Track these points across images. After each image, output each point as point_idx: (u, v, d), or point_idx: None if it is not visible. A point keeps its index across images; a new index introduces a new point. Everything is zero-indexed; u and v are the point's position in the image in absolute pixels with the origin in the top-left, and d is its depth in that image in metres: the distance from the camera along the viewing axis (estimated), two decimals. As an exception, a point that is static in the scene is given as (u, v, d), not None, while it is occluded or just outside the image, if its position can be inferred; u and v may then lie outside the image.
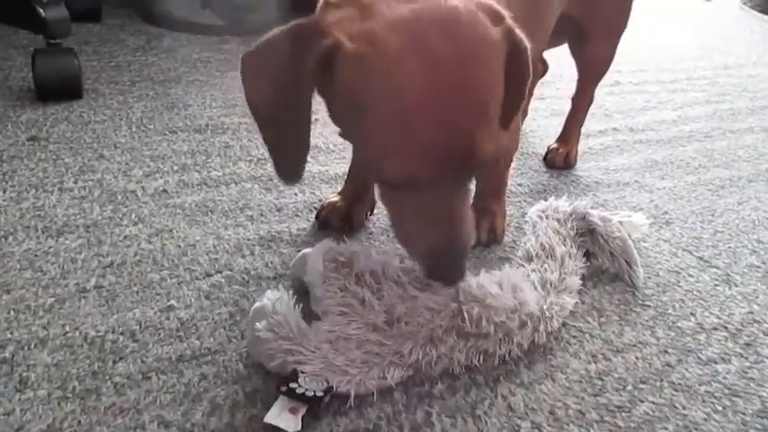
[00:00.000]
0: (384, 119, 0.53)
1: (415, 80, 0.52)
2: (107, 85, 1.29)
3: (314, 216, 0.90)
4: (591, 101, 1.17)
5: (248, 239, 0.84)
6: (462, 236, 0.59)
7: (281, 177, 0.63)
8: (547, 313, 0.70)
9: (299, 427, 0.54)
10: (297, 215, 0.91)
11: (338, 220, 0.87)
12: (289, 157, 0.61)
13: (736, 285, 0.86)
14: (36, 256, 0.77)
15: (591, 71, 1.12)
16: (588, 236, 0.84)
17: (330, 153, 1.11)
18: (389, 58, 0.52)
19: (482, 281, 0.69)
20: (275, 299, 0.63)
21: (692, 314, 0.79)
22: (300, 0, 0.85)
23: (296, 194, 0.96)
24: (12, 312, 0.67)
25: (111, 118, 1.15)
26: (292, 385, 0.56)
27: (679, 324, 0.77)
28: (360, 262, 0.67)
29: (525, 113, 1.23)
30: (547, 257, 0.78)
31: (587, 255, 0.84)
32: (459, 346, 0.64)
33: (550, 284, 0.74)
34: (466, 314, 0.64)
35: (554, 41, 1.04)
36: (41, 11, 1.17)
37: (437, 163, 0.55)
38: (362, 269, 0.66)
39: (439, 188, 0.57)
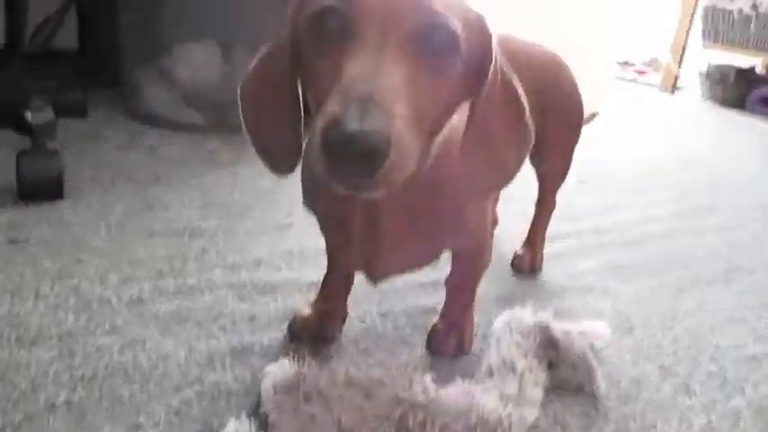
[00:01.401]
0: None
1: None
2: (89, 183, 1.33)
3: (286, 327, 0.92)
4: (553, 206, 1.23)
5: (220, 351, 0.86)
6: (374, 112, 0.45)
7: (274, 171, 0.62)
8: (505, 422, 0.72)
9: None
10: (269, 325, 0.93)
11: (310, 334, 0.90)
12: (283, 149, 0.61)
13: (696, 395, 0.88)
14: (8, 367, 0.77)
15: (550, 183, 1.18)
16: (551, 348, 0.87)
17: (304, 259, 1.14)
18: None
19: (427, 385, 0.72)
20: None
21: (653, 427, 0.81)
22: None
23: (268, 303, 0.99)
24: (-21, 433, 0.68)
25: (91, 219, 1.18)
26: None
27: (639, 439, 0.79)
28: (308, 381, 0.70)
29: (496, 222, 1.28)
30: (507, 372, 0.80)
31: (551, 366, 0.87)
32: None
33: (509, 397, 0.76)
34: (411, 419, 0.67)
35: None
36: (28, 115, 1.22)
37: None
38: (310, 387, 0.69)
39: (366, 43, 0.50)
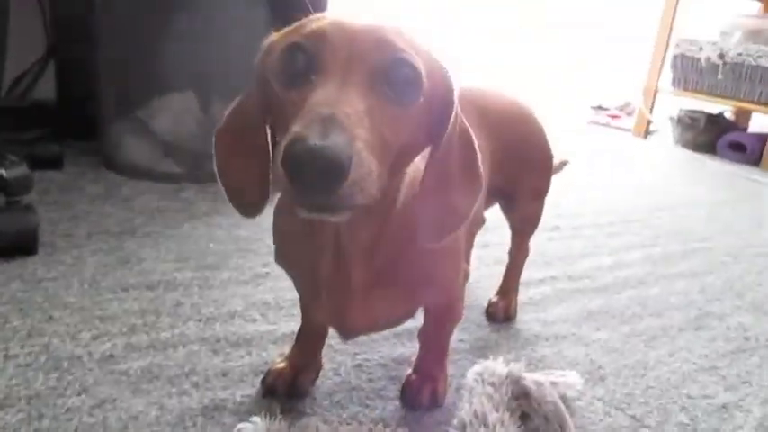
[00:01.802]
0: None
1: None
2: (63, 238, 1.32)
3: (260, 381, 0.92)
4: (527, 254, 1.25)
5: (192, 409, 0.85)
6: (335, 130, 0.47)
7: (243, 213, 0.64)
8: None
9: None
10: (242, 380, 0.93)
11: (284, 389, 0.89)
12: (253, 192, 0.63)
13: (666, 446, 0.89)
14: (-27, 432, 0.76)
15: (522, 230, 1.20)
16: (523, 398, 0.88)
17: (279, 310, 1.14)
18: None
19: None
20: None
21: (623, 480, 0.81)
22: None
23: (242, 357, 0.98)
24: (-59, 502, 0.66)
25: (64, 275, 1.17)
26: None
27: (611, 492, 0.79)
28: None
29: (467, 276, 1.29)
30: (479, 426, 0.80)
31: (523, 417, 0.87)
32: None
33: (481, 452, 0.76)
34: None
35: (486, 204, 1.13)
36: (3, 171, 1.22)
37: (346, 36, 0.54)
38: None
39: (330, 77, 0.53)
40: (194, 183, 1.77)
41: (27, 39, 2.09)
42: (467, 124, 0.63)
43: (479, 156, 0.64)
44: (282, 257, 0.80)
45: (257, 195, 0.63)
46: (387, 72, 0.54)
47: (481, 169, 0.64)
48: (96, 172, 1.78)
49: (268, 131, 0.62)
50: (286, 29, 0.60)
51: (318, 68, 0.53)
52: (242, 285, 1.22)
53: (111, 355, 0.95)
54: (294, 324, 1.08)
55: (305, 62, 0.54)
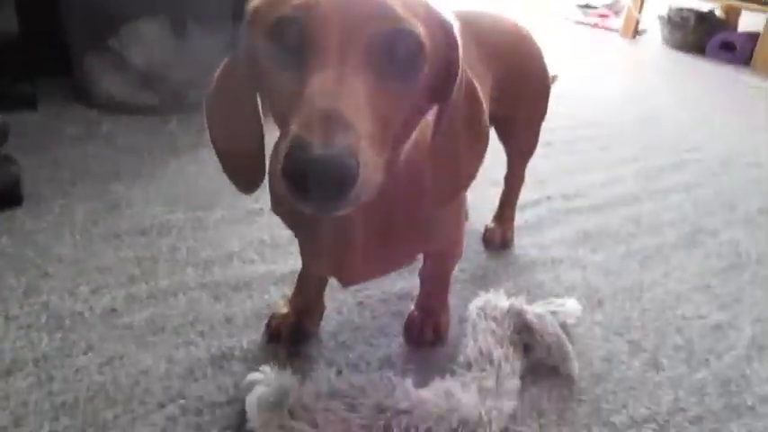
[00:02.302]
0: None
1: None
2: (47, 185, 1.29)
3: (264, 327, 0.92)
4: (522, 180, 1.23)
5: (199, 359, 0.86)
6: (340, 134, 0.44)
7: (240, 189, 0.62)
8: (485, 418, 0.75)
9: None
10: (247, 325, 0.93)
11: (288, 333, 0.90)
12: (248, 166, 0.60)
13: (663, 370, 0.92)
14: (-15, 398, 0.77)
15: (519, 156, 1.18)
16: (526, 332, 0.89)
17: (276, 248, 1.13)
18: None
19: (409, 389, 0.73)
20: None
21: (624, 407, 0.84)
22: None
23: (244, 301, 0.99)
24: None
25: (54, 225, 1.15)
26: None
27: (612, 419, 0.82)
28: (292, 396, 0.70)
29: (467, 216, 1.28)
30: (485, 363, 0.82)
31: (526, 348, 0.89)
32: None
33: (488, 391, 0.78)
34: (395, 428, 0.69)
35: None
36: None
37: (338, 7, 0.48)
38: (294, 404, 0.70)
39: (326, 55, 0.47)
40: (176, 113, 1.71)
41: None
42: (471, 77, 0.59)
43: (485, 111, 0.61)
44: (279, 207, 0.78)
45: (252, 172, 0.60)
46: (387, 45, 0.49)
47: (488, 126, 0.61)
48: (72, 109, 1.71)
49: (259, 102, 0.58)
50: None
51: (312, 46, 0.48)
52: (236, 224, 1.21)
53: (113, 309, 0.94)
54: (293, 262, 1.08)
55: (296, 38, 0.48)
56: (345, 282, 0.79)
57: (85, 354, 0.85)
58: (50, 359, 0.84)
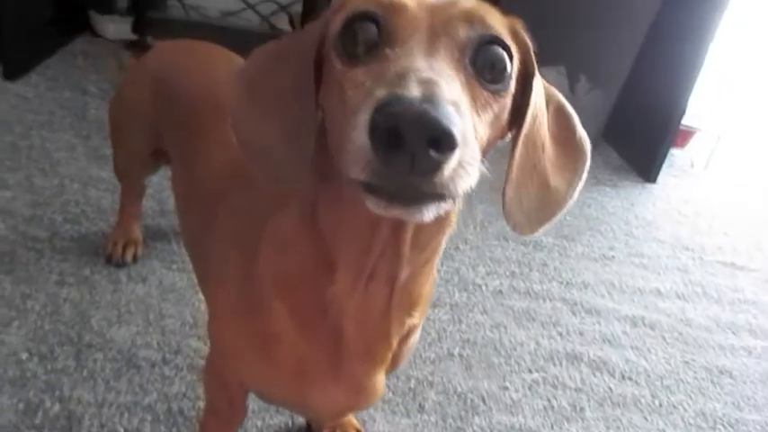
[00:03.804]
0: None
1: None
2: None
3: (605, 347, 1.17)
4: None
5: (558, 351, 1.14)
6: (440, 94, 0.36)
7: (277, 183, 0.49)
8: None
9: None
10: (593, 342, 1.19)
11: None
12: (291, 160, 0.47)
13: None
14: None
15: None
16: None
17: (623, 293, 1.36)
18: None
19: None
20: None
21: None
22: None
23: (594, 324, 1.24)
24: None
25: (462, 215, 1.53)
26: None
27: None
28: None
29: None
30: None
31: None
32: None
33: None
34: None
35: None
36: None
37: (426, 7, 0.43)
38: None
39: (413, 50, 0.41)
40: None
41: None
42: (551, 87, 0.52)
43: (576, 119, 0.53)
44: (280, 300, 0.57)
45: (297, 166, 0.47)
46: (476, 51, 0.43)
47: (585, 139, 0.53)
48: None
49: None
50: None
51: (393, 42, 0.42)
52: (592, 261, 1.46)
53: (500, 291, 1.28)
54: (636, 309, 1.30)
55: (375, 33, 0.43)
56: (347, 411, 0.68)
57: (482, 314, 1.19)
58: (460, 308, 1.19)
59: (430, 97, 0.35)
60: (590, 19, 2.08)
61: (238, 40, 1.98)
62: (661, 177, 2.01)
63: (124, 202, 1.13)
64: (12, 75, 1.60)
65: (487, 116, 0.44)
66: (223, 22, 2.24)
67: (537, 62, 0.49)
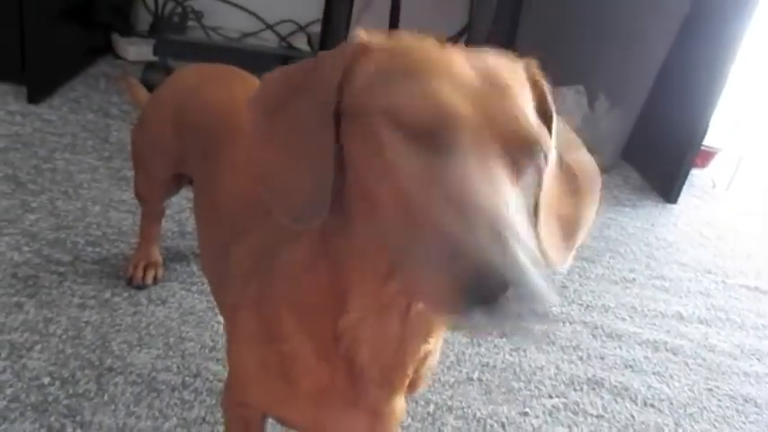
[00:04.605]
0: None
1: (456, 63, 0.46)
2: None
3: (627, 377, 1.15)
4: None
5: (578, 377, 1.12)
6: (528, 259, 0.38)
7: (305, 217, 0.47)
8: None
9: None
10: (613, 367, 1.17)
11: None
12: (306, 199, 0.47)
13: None
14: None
15: None
16: None
17: (645, 317, 1.35)
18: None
19: None
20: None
21: None
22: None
23: (615, 349, 1.23)
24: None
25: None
26: None
27: None
28: None
29: None
30: None
31: None
32: None
33: None
34: None
35: None
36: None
37: (479, 106, 0.44)
38: None
39: (475, 153, 0.42)
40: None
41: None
42: (560, 120, 0.53)
43: (584, 148, 0.55)
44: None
45: (312, 206, 0.47)
46: (519, 146, 0.44)
47: (592, 162, 0.54)
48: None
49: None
50: (383, 39, 0.48)
51: (453, 145, 0.42)
52: (612, 284, 1.45)
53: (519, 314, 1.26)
54: (657, 334, 1.28)
55: (421, 121, 0.43)
56: None
57: (500, 338, 1.18)
58: (482, 333, 1.18)
59: (519, 267, 0.37)
60: (610, 37, 2.08)
61: (258, 60, 2.02)
62: (682, 198, 1.99)
63: (144, 224, 1.14)
64: (35, 98, 1.63)
65: (528, 189, 0.46)
66: (242, 44, 2.27)
67: (554, 106, 0.51)
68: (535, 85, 0.50)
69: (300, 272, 0.56)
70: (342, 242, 0.51)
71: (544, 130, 0.46)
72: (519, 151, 0.44)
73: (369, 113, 0.45)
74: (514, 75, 0.48)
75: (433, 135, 0.43)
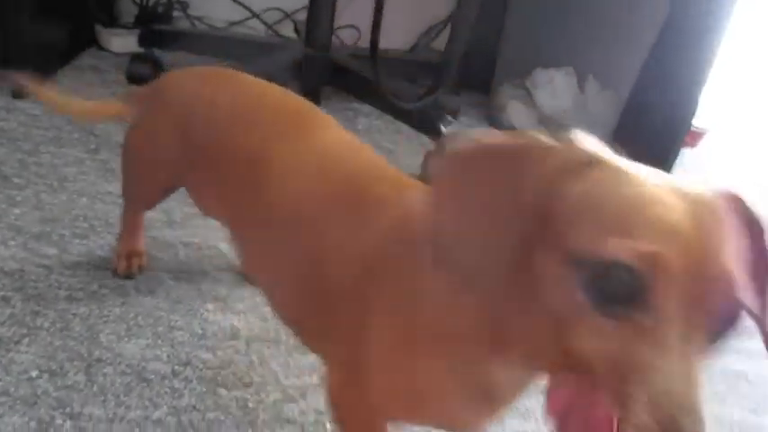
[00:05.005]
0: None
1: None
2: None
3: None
4: None
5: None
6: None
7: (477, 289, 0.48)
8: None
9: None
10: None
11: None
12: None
13: None
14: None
15: None
16: None
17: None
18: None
19: None
20: None
21: None
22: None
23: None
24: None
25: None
26: None
27: None
28: None
29: None
30: None
31: None
32: None
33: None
34: None
35: None
36: (440, 124, 1.59)
37: (690, 261, 0.40)
38: None
39: (671, 327, 0.40)
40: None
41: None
42: None
43: None
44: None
45: (488, 280, 0.46)
46: (722, 322, 0.43)
47: None
48: (482, 126, 2.12)
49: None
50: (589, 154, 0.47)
51: (648, 302, 0.40)
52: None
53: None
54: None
55: (628, 284, 0.40)
56: None
57: None
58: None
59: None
60: (599, 19, 2.08)
61: (245, 49, 2.00)
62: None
63: (128, 215, 1.12)
64: (19, 93, 1.61)
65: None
66: (229, 32, 2.25)
67: None
68: (751, 228, 0.48)
69: (451, 306, 0.55)
70: (515, 321, 0.50)
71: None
72: (723, 325, 0.43)
73: (567, 251, 0.43)
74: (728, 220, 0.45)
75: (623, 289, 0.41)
